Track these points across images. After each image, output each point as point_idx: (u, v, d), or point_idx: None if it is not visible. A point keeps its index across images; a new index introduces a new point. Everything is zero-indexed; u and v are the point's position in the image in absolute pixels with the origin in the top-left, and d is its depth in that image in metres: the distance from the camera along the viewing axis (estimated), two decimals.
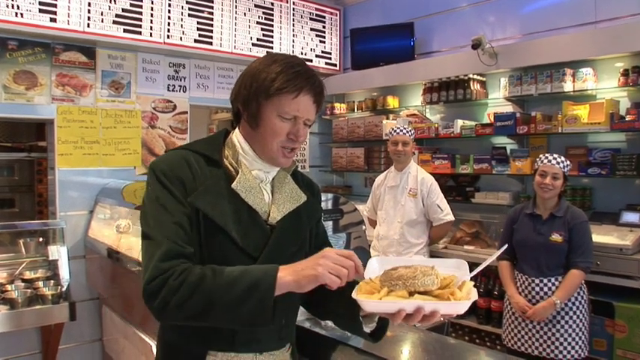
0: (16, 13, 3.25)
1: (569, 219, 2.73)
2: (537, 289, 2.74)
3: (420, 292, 1.04)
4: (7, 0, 3.20)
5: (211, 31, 4.17)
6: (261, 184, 1.28)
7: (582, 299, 2.76)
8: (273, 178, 1.31)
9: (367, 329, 1.22)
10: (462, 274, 1.13)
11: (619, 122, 3.17)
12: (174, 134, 4.15)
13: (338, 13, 5.13)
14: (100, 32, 3.59)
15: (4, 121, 4.90)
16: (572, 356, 2.69)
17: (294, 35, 4.74)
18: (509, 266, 2.93)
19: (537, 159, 2.86)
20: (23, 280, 3.16)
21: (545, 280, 2.73)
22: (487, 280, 3.65)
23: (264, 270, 1.10)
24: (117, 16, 3.67)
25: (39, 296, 2.89)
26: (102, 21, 3.60)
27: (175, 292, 1.06)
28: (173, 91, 4.15)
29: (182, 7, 4.00)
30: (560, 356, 2.69)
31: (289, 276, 1.07)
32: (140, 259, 2.54)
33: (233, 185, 1.21)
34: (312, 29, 4.90)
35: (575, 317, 2.71)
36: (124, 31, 3.71)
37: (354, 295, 1.06)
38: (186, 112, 4.23)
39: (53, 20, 3.39)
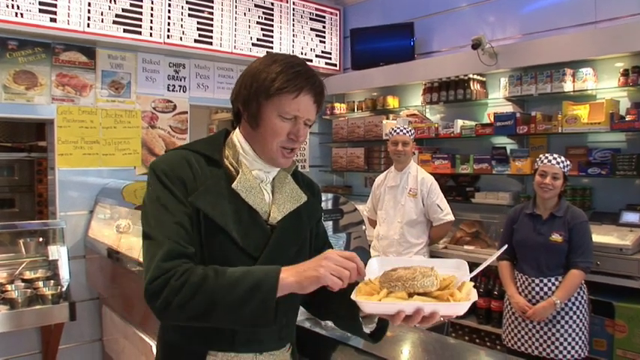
0: (16, 13, 3.25)
1: (569, 219, 2.73)
2: (537, 289, 2.74)
3: (419, 294, 1.05)
4: (7, 0, 3.20)
5: (211, 31, 4.18)
6: (262, 184, 1.28)
7: (582, 299, 2.76)
8: (273, 178, 1.31)
9: (367, 330, 1.22)
10: (461, 275, 1.13)
11: (619, 122, 3.17)
12: (174, 134, 4.15)
13: (338, 13, 5.13)
14: (100, 32, 3.59)
15: (4, 121, 4.90)
16: (572, 356, 2.70)
17: (294, 35, 4.74)
18: (509, 266, 2.93)
19: (537, 159, 2.86)
20: (23, 280, 3.16)
21: (545, 280, 2.73)
22: (487, 280, 3.65)
23: (267, 271, 1.10)
24: (117, 16, 3.67)
25: (39, 296, 2.89)
26: (102, 21, 3.60)
27: (177, 293, 1.06)
28: (173, 91, 4.15)
29: (182, 7, 4.00)
30: (560, 356, 2.69)
31: (291, 277, 1.07)
32: (140, 259, 2.55)
33: (233, 185, 1.21)
34: (312, 29, 4.90)
35: (575, 317, 2.71)
36: (124, 31, 3.71)
37: (353, 296, 1.06)
38: (186, 112, 4.23)
39: (53, 20, 3.39)
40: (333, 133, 5.03)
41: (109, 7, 3.63)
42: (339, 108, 5.02)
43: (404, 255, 3.35)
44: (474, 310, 3.64)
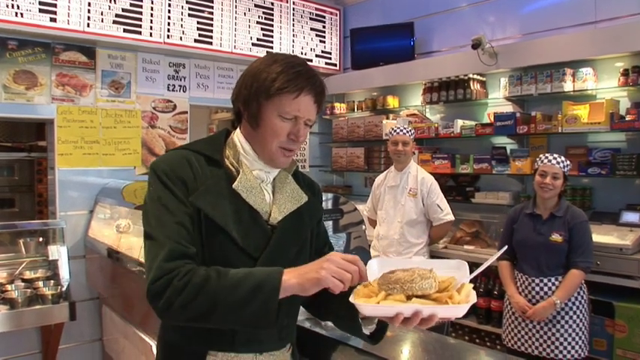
0: (16, 13, 3.25)
1: (569, 219, 2.73)
2: (537, 288, 2.74)
3: (417, 296, 1.04)
4: (7, 0, 3.20)
5: (211, 31, 4.17)
6: (262, 185, 1.27)
7: (582, 299, 2.76)
8: (274, 178, 1.31)
9: (367, 331, 1.22)
10: (461, 275, 1.12)
11: (619, 122, 3.17)
12: (175, 134, 4.15)
13: (338, 13, 5.13)
14: (100, 32, 3.59)
15: (4, 121, 4.91)
16: (572, 356, 2.70)
17: (294, 35, 4.74)
18: (509, 266, 2.93)
19: (537, 159, 2.86)
20: (23, 280, 3.16)
21: (545, 280, 2.73)
22: (487, 280, 3.65)
23: (269, 272, 1.10)
24: (117, 15, 3.67)
25: (39, 296, 2.89)
26: (102, 21, 3.60)
27: (180, 293, 1.07)
28: (173, 90, 4.15)
29: (182, 6, 4.00)
30: (560, 356, 2.69)
31: (293, 279, 1.08)
32: (140, 258, 2.56)
33: (234, 185, 1.21)
34: (312, 29, 4.90)
35: (575, 317, 2.71)
36: (124, 30, 3.71)
37: (351, 298, 1.06)
38: (186, 112, 4.23)
39: (53, 20, 3.39)
40: (333, 133, 5.03)
41: (109, 7, 3.63)
42: (339, 108, 5.02)
43: (404, 255, 3.35)
44: (474, 310, 3.63)
